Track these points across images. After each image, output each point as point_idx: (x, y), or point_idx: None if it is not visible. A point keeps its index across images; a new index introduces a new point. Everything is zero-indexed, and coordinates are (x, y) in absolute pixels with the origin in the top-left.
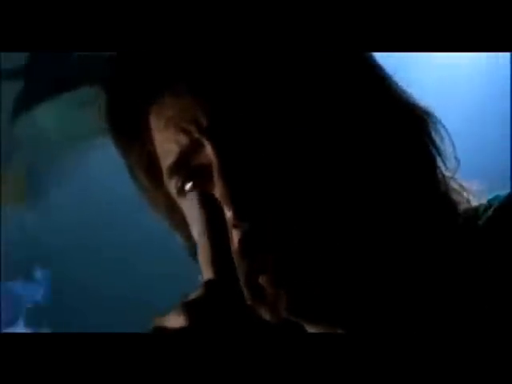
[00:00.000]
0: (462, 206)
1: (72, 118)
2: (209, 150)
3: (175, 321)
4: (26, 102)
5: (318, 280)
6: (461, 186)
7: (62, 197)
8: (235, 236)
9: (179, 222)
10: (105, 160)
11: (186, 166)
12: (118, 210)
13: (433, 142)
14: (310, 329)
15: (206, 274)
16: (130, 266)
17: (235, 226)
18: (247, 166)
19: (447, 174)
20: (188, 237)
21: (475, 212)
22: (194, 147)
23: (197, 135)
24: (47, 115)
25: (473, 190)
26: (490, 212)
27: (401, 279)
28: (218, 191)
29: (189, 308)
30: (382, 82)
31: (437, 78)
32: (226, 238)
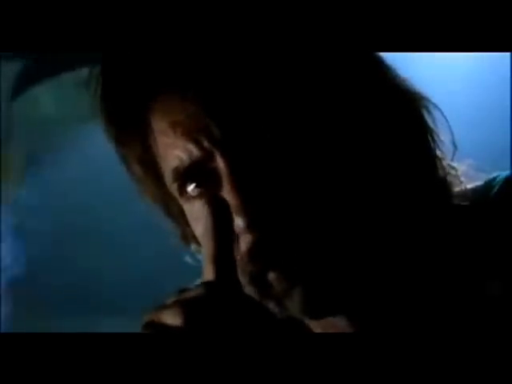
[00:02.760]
0: (459, 189)
1: (72, 98)
2: (220, 160)
3: (172, 318)
4: (26, 82)
5: (330, 280)
6: (451, 166)
7: (61, 176)
8: (244, 240)
9: (174, 212)
10: (105, 140)
11: (192, 173)
12: (117, 190)
13: (426, 126)
14: (316, 328)
15: (207, 273)
16: (128, 246)
17: (246, 234)
18: (258, 176)
19: (442, 156)
20: (183, 227)
21: (483, 188)
22: (204, 156)
23: (208, 146)
24: (47, 95)
25: (463, 169)
26: (498, 185)
27: (413, 269)
28: (227, 199)
29: (187, 307)
30: (376, 66)
31: (436, 76)
32: (231, 240)
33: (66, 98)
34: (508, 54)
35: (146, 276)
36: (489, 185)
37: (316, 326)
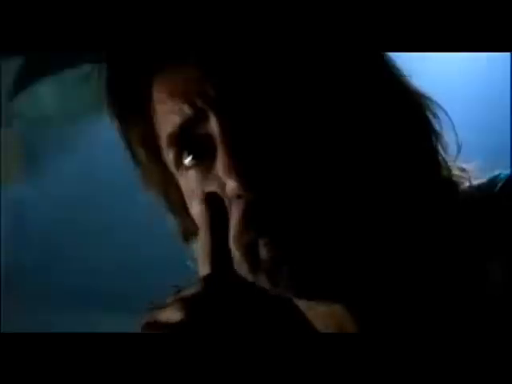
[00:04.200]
0: (463, 187)
1: (72, 94)
2: (214, 121)
3: (172, 316)
4: (26, 78)
5: (320, 251)
6: (461, 168)
7: (61, 173)
8: (237, 207)
9: (175, 200)
10: (105, 136)
11: (187, 137)
12: (117, 186)
13: (430, 126)
14: (306, 303)
15: (203, 268)
16: (128, 244)
17: (239, 197)
18: (252, 139)
19: (447, 157)
20: (183, 218)
21: (486, 185)
22: (198, 118)
23: (202, 106)
24: (47, 91)
25: (472, 170)
26: (501, 182)
27: (416, 263)
28: (221, 163)
29: (187, 303)
30: (381, 66)
31: (436, 72)
32: (226, 235)
33: (67, 96)
34: (508, 54)
35: (146, 274)
36: (492, 182)
37: (315, 318)
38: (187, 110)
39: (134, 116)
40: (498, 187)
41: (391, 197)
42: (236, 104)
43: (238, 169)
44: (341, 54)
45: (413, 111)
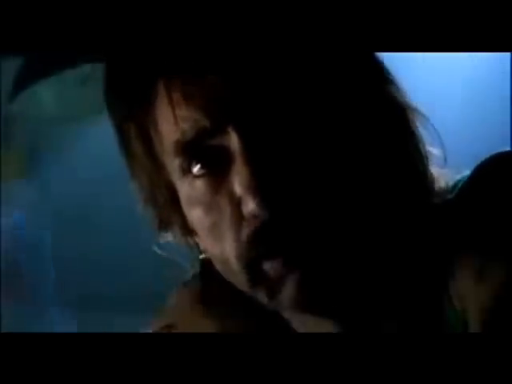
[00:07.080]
0: (437, 189)
1: (73, 95)
2: (234, 137)
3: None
4: (26, 79)
5: (325, 272)
6: (443, 175)
7: (61, 173)
8: (249, 224)
9: (160, 192)
10: (105, 136)
11: (198, 148)
12: (118, 186)
13: (416, 138)
14: (298, 320)
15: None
16: (130, 241)
17: (255, 216)
18: (271, 156)
19: (429, 163)
20: (163, 209)
21: (451, 187)
22: (215, 131)
23: (221, 119)
24: (48, 92)
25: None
26: (461, 183)
27: (392, 270)
28: (239, 180)
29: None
30: (373, 77)
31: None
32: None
33: (67, 96)
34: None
35: (147, 274)
36: (455, 184)
37: (300, 327)
38: (203, 120)
39: (136, 107)
40: (456, 189)
41: (381, 209)
42: (258, 120)
43: (255, 186)
44: (344, 65)
45: (398, 120)
